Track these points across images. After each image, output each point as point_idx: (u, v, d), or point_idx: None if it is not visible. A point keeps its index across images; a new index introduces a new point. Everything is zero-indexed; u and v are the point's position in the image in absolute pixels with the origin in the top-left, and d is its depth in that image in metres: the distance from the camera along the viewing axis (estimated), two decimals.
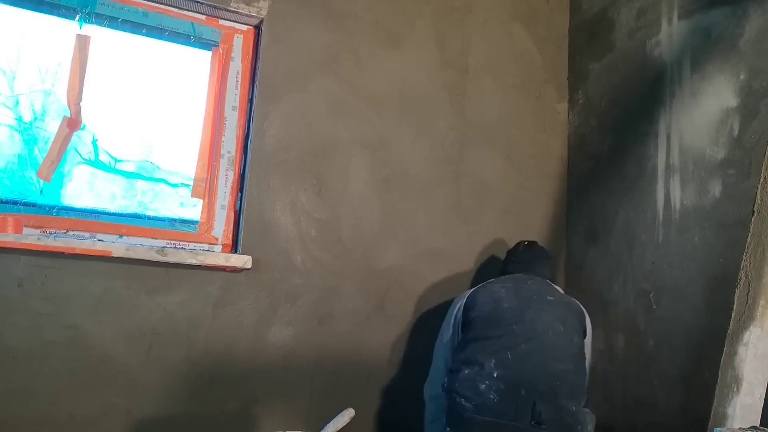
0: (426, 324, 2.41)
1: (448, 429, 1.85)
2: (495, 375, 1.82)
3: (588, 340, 2.07)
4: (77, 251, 1.89)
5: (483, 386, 1.81)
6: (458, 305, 2.08)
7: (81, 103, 2.05)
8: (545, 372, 1.84)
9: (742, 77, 2.01)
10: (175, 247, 2.14)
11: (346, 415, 1.83)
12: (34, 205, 2.01)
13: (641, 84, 2.42)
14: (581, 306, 2.09)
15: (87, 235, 2.04)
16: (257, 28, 2.34)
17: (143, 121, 2.30)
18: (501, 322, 1.93)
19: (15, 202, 1.99)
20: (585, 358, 1.99)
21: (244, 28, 2.33)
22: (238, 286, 2.14)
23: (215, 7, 2.21)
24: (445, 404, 1.91)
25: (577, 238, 2.68)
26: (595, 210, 2.59)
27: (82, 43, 2.07)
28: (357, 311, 2.32)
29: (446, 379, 1.93)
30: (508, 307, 1.97)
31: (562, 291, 2.17)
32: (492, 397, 1.80)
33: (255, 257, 2.13)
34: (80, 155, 2.18)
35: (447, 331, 2.09)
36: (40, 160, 2.02)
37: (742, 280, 1.68)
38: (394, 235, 2.41)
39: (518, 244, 2.35)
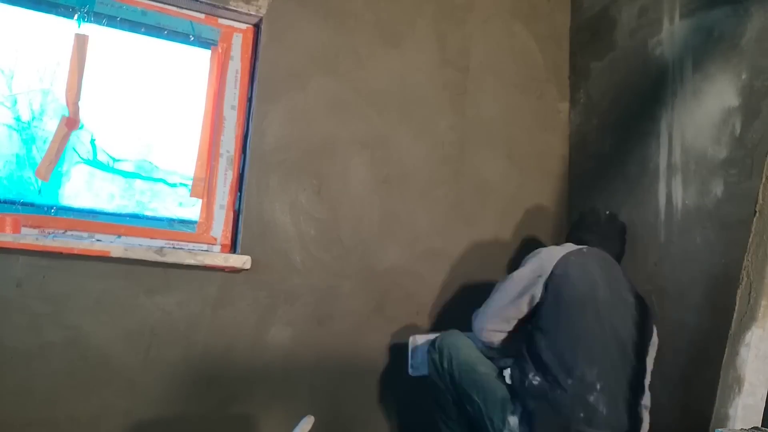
0: (424, 322, 2.40)
1: None
2: (598, 387, 1.72)
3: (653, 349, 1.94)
4: (76, 251, 1.89)
5: (591, 398, 1.71)
6: (543, 264, 1.87)
7: (79, 103, 2.04)
8: (629, 380, 1.80)
9: (743, 76, 2.00)
10: (173, 247, 2.13)
11: (308, 423, 1.80)
12: (32, 204, 2.00)
13: (643, 83, 2.41)
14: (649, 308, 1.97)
15: (85, 235, 2.03)
16: (256, 26, 2.33)
17: (142, 120, 2.29)
18: (598, 316, 1.78)
19: (13, 202, 1.98)
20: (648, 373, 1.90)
21: (244, 26, 2.33)
22: (237, 286, 2.14)
23: (214, 5, 2.21)
24: (529, 406, 1.73)
25: None
26: None
27: (81, 42, 2.06)
28: (356, 311, 2.31)
29: (535, 377, 1.76)
30: (604, 298, 1.80)
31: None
32: (602, 410, 1.70)
33: (254, 257, 2.12)
34: (79, 155, 2.18)
35: (520, 285, 1.88)
36: (39, 160, 2.01)
37: (744, 281, 1.66)
38: (394, 235, 2.40)
39: (596, 211, 2.17)
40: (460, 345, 1.96)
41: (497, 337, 1.92)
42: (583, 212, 2.22)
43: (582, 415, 1.69)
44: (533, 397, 1.74)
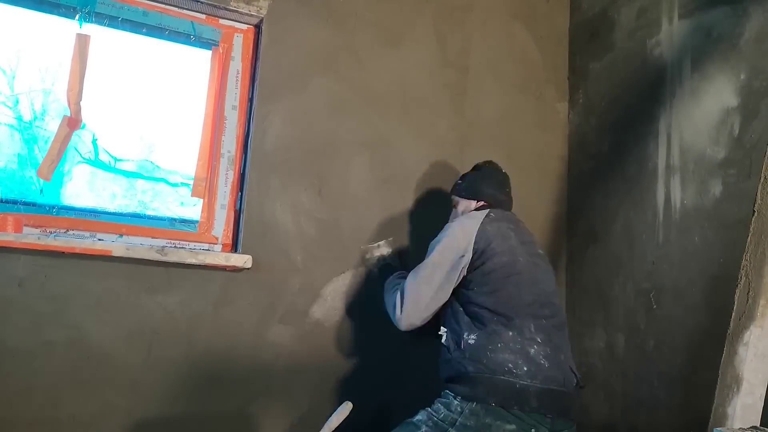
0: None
1: (490, 402, 1.62)
2: (539, 339, 1.71)
3: None
4: (77, 251, 1.89)
5: (532, 351, 1.68)
6: (460, 243, 1.83)
7: (81, 103, 2.05)
8: (563, 331, 1.84)
9: (742, 77, 2.01)
10: (175, 246, 2.14)
11: (346, 408, 1.83)
12: (34, 204, 2.01)
13: (641, 83, 2.42)
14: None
15: (87, 234, 2.04)
16: (257, 27, 2.34)
17: (143, 120, 2.30)
18: (522, 279, 1.80)
19: (15, 202, 1.99)
20: None
21: (244, 27, 2.33)
22: (239, 285, 2.14)
23: (215, 6, 2.21)
24: (468, 369, 1.68)
25: (577, 238, 2.68)
26: (596, 210, 2.59)
27: (82, 42, 2.07)
28: (357, 310, 2.32)
29: (470, 336, 1.73)
30: (524, 263, 1.83)
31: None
32: (543, 362, 1.68)
33: (255, 257, 2.13)
34: (80, 155, 2.18)
35: (446, 260, 1.83)
36: (40, 160, 2.02)
37: (743, 280, 1.67)
38: (394, 235, 2.41)
39: (492, 165, 2.17)
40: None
41: (420, 324, 1.90)
42: (482, 167, 2.17)
43: (525, 369, 1.65)
44: (471, 359, 1.70)
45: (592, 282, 2.55)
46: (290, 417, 2.18)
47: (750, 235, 1.69)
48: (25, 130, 2.11)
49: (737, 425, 1.57)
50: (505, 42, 2.74)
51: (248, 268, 2.12)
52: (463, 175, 2.18)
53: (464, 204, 2.10)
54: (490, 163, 2.18)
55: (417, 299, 1.84)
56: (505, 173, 2.16)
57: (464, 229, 1.86)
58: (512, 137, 2.70)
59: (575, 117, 2.79)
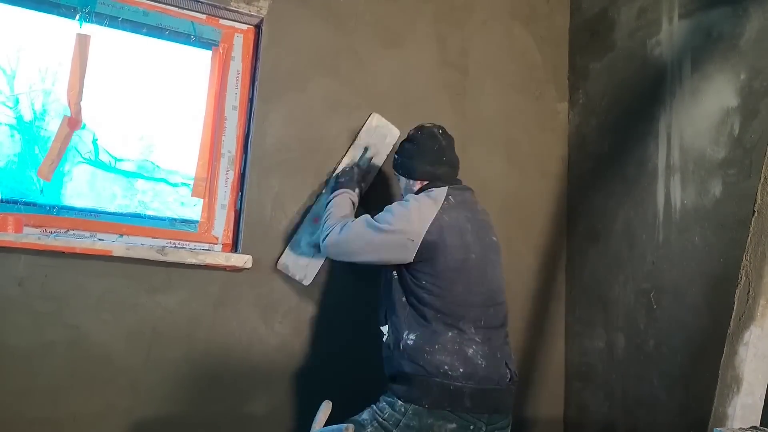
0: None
1: (424, 403, 1.64)
2: (478, 339, 1.72)
3: None
4: (78, 251, 1.89)
5: (470, 351, 1.69)
6: (413, 227, 1.77)
7: (81, 103, 2.05)
8: (503, 328, 1.84)
9: (742, 77, 2.01)
10: (175, 246, 2.14)
11: (326, 407, 1.81)
12: (34, 204, 2.01)
13: (641, 83, 2.42)
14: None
15: (87, 234, 2.04)
16: (257, 27, 2.34)
17: (143, 120, 2.30)
18: (471, 278, 1.78)
19: (15, 202, 1.99)
20: None
21: (245, 27, 2.33)
22: (239, 285, 2.14)
23: (215, 6, 2.21)
24: (406, 370, 1.70)
25: (577, 238, 2.68)
26: (596, 210, 2.59)
27: (83, 42, 2.07)
28: (357, 311, 2.32)
29: (409, 336, 1.73)
30: (476, 260, 1.79)
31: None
32: (480, 362, 1.69)
33: (255, 257, 2.13)
34: (80, 155, 2.18)
35: (396, 236, 1.77)
36: (41, 160, 2.02)
37: (743, 280, 1.67)
38: None
39: (429, 131, 1.98)
40: None
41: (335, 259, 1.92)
42: (415, 136, 1.99)
43: (462, 370, 1.66)
44: (410, 359, 1.70)
45: (592, 282, 2.56)
46: (290, 416, 2.18)
47: (750, 235, 1.69)
48: (26, 130, 2.11)
49: (737, 425, 1.57)
50: (505, 42, 2.74)
51: (248, 268, 2.12)
52: (400, 144, 2.05)
53: (404, 182, 2.01)
54: (421, 129, 2.00)
55: (351, 245, 1.84)
56: (443, 137, 1.97)
57: (421, 213, 1.79)
58: (512, 137, 2.70)
59: (575, 117, 2.79)
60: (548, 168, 2.76)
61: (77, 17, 2.10)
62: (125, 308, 1.99)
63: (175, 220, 2.21)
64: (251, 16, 2.27)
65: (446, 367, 1.67)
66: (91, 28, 2.12)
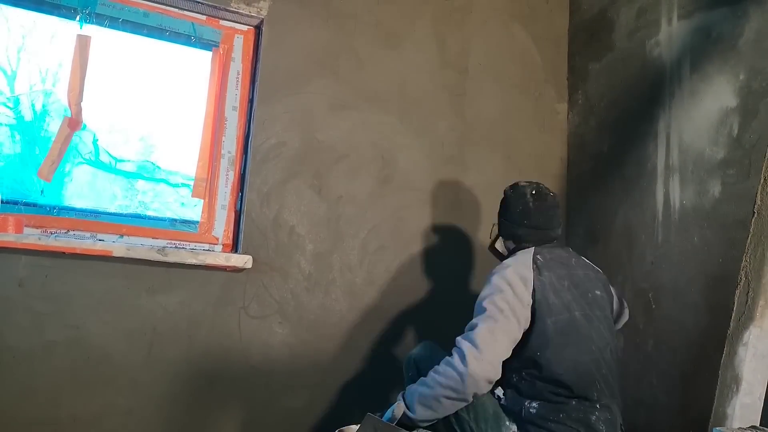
0: (425, 324, 2.41)
1: None
2: (599, 406, 1.70)
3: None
4: (78, 251, 1.90)
5: (593, 417, 1.69)
6: (522, 292, 1.70)
7: (82, 104, 2.05)
8: (618, 391, 1.80)
9: (741, 77, 2.01)
10: (175, 247, 2.14)
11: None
12: (35, 205, 2.01)
13: (641, 84, 2.42)
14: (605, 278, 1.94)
15: (88, 235, 2.04)
16: (257, 28, 2.34)
17: (144, 121, 2.30)
18: (580, 339, 1.73)
19: (16, 202, 1.99)
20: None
21: (245, 28, 2.34)
22: (239, 285, 2.15)
23: (216, 7, 2.22)
24: (534, 430, 1.68)
25: (576, 238, 2.69)
26: (595, 210, 2.59)
27: (83, 43, 2.07)
28: (356, 310, 2.32)
29: (532, 405, 1.71)
30: (580, 319, 1.75)
31: (584, 260, 1.97)
32: (601, 428, 1.69)
33: (255, 257, 2.13)
34: (81, 155, 2.19)
35: (515, 309, 1.68)
36: (41, 160, 2.02)
37: (742, 281, 1.68)
38: (394, 235, 2.41)
39: (520, 191, 1.91)
40: (439, 360, 1.75)
41: (495, 378, 1.67)
42: (506, 195, 1.95)
43: None
44: (535, 424, 1.70)
45: None
46: (290, 416, 2.19)
47: (750, 236, 1.69)
48: (26, 130, 2.11)
49: (737, 425, 1.57)
50: (504, 43, 2.75)
51: (248, 269, 2.13)
52: (503, 202, 1.97)
53: (502, 239, 1.99)
54: (514, 187, 1.95)
55: (493, 345, 1.64)
56: (534, 197, 1.89)
57: (523, 279, 1.73)
58: (512, 138, 2.70)
59: (575, 117, 2.80)
60: (548, 168, 2.76)
61: (78, 18, 2.11)
62: (125, 308, 2.00)
63: (175, 220, 2.21)
64: (251, 17, 2.27)
65: None
66: (91, 29, 2.12)
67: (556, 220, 1.92)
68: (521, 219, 1.88)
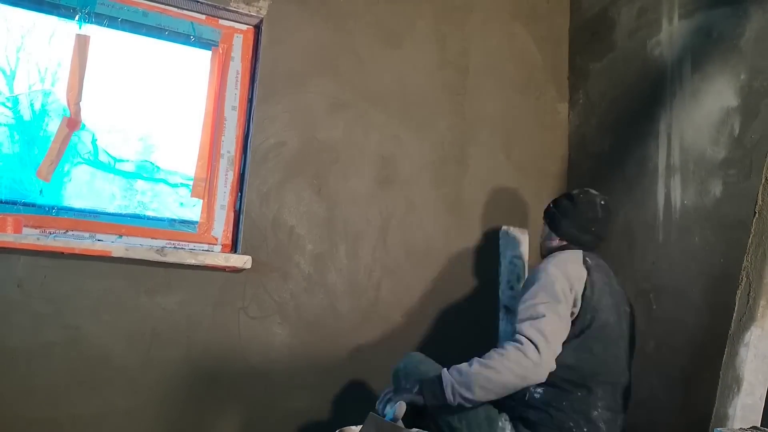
0: (425, 323, 2.41)
1: None
2: (600, 404, 1.73)
3: None
4: (77, 251, 1.89)
5: (595, 413, 1.72)
6: (573, 282, 1.75)
7: (80, 103, 2.05)
8: (625, 398, 1.84)
9: (742, 77, 2.01)
10: (174, 247, 2.14)
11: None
12: (33, 205, 2.01)
13: (642, 84, 2.42)
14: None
15: (86, 235, 2.04)
16: (257, 27, 2.34)
17: (143, 121, 2.30)
18: (610, 339, 1.78)
19: (14, 202, 1.99)
20: None
21: (244, 27, 2.33)
22: (238, 286, 2.14)
23: (215, 6, 2.21)
24: (531, 418, 1.73)
25: None
26: None
27: (82, 42, 2.07)
28: (356, 311, 2.32)
29: (537, 390, 1.73)
30: (614, 321, 1.80)
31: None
32: (602, 426, 1.72)
33: (255, 257, 2.13)
34: (80, 155, 2.18)
35: (567, 297, 1.72)
36: (40, 160, 2.02)
37: (743, 281, 1.67)
38: (394, 235, 2.41)
39: (591, 198, 1.96)
40: (427, 370, 1.81)
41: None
42: (577, 198, 1.97)
43: (585, 430, 1.71)
44: (535, 408, 1.73)
45: None
46: (290, 416, 2.18)
47: (751, 236, 1.69)
48: (25, 130, 2.11)
49: (737, 425, 1.57)
50: (505, 42, 2.74)
51: (248, 269, 2.12)
52: (559, 198, 2.04)
53: (546, 231, 2.03)
54: (586, 193, 1.99)
55: (559, 335, 1.70)
56: (602, 209, 1.95)
57: (576, 271, 1.78)
58: (512, 137, 2.70)
59: (575, 117, 2.79)
60: (548, 168, 2.76)
61: (77, 18, 2.10)
62: (124, 309, 1.99)
63: (174, 220, 2.21)
64: (251, 16, 2.26)
65: (572, 424, 1.70)
66: (90, 29, 2.12)
67: (606, 235, 2.00)
68: (589, 225, 1.94)
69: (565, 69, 2.86)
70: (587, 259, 1.84)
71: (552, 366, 1.66)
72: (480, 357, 1.70)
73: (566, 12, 2.91)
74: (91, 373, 1.94)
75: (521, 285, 2.03)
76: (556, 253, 1.89)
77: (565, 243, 1.96)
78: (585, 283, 1.76)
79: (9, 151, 2.10)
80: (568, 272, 1.77)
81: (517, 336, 1.68)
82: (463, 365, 1.71)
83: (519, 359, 1.64)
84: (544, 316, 1.68)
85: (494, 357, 1.67)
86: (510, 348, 1.66)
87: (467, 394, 1.67)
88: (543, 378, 1.66)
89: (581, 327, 1.74)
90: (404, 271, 2.41)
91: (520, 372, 1.64)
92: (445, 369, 1.74)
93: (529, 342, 1.65)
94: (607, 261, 1.97)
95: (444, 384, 1.70)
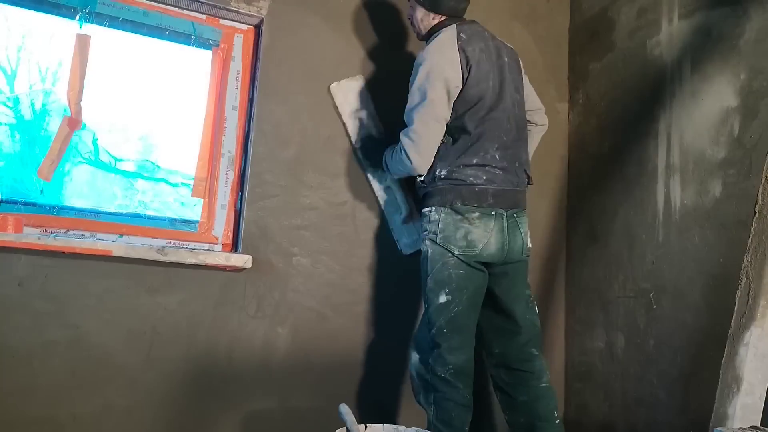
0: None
1: (459, 203, 1.93)
2: (497, 157, 1.98)
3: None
4: (77, 251, 1.89)
5: (488, 167, 1.96)
6: (453, 67, 1.96)
7: (81, 103, 2.05)
8: (522, 140, 2.10)
9: (742, 77, 2.01)
10: (175, 246, 2.14)
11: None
12: (34, 204, 2.01)
13: (641, 84, 2.42)
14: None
15: (87, 234, 2.04)
16: (257, 27, 2.34)
17: (144, 120, 2.30)
18: (492, 105, 1.99)
19: (15, 202, 1.99)
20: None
21: (245, 27, 2.33)
22: (239, 285, 2.14)
23: (216, 6, 2.21)
24: (445, 187, 1.96)
25: (577, 238, 2.68)
26: (596, 210, 2.59)
27: (83, 42, 2.07)
28: (356, 310, 2.32)
29: (444, 171, 1.97)
30: (493, 86, 2.00)
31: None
32: (498, 172, 1.97)
33: (255, 257, 2.13)
34: (81, 155, 2.19)
35: (442, 92, 1.97)
36: (41, 160, 2.02)
37: (743, 281, 1.68)
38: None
39: None
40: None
41: (429, 163, 2.02)
42: None
43: (484, 178, 1.95)
44: (441, 180, 1.97)
45: (592, 282, 2.56)
46: (290, 416, 2.18)
47: (751, 236, 1.69)
48: (26, 130, 2.11)
49: (737, 425, 1.57)
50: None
51: (248, 268, 2.12)
52: None
53: (422, 13, 2.10)
54: None
55: (428, 136, 1.97)
56: None
57: (448, 59, 1.96)
58: None
59: (575, 117, 2.79)
60: (548, 168, 2.76)
61: (77, 17, 2.10)
62: (125, 308, 1.99)
63: (175, 220, 2.21)
64: (251, 16, 2.27)
65: (471, 178, 1.95)
66: (91, 29, 2.12)
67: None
68: None
69: (565, 69, 2.87)
70: (461, 34, 2.00)
71: (428, 161, 1.99)
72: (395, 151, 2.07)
73: (566, 12, 2.91)
74: (92, 372, 1.94)
75: None
76: (433, 37, 2.04)
77: (443, 19, 2.08)
78: (460, 67, 1.95)
79: (10, 151, 2.10)
80: (442, 65, 1.95)
81: (401, 138, 2.02)
82: (387, 153, 2.15)
83: (401, 159, 2.02)
84: (413, 123, 1.98)
85: (394, 156, 2.07)
86: (396, 152, 2.05)
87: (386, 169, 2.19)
88: (423, 171, 2.01)
89: (462, 108, 1.97)
90: (403, 272, 2.41)
91: (404, 169, 2.05)
92: (386, 152, 2.17)
93: (402, 148, 2.00)
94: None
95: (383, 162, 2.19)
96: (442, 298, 1.93)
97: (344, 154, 2.36)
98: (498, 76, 2.02)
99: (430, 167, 2.01)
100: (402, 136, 2.01)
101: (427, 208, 2.01)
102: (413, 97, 1.99)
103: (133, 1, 2.16)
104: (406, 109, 2.02)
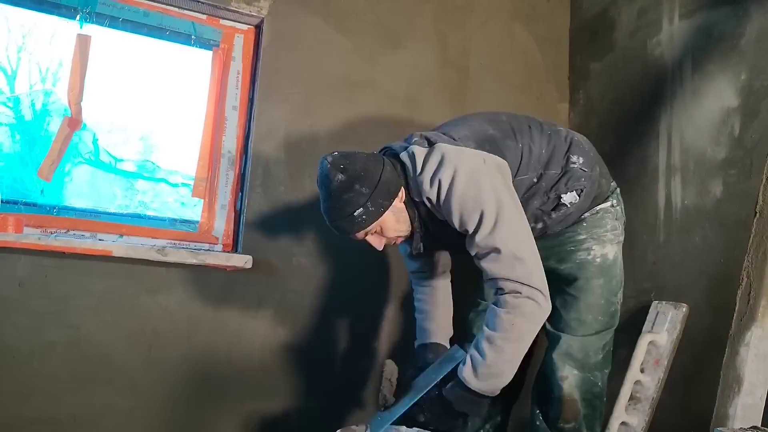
0: None
1: (612, 184, 1.85)
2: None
3: None
4: (78, 251, 1.89)
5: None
6: (498, 164, 1.58)
7: (82, 103, 2.05)
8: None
9: (743, 77, 2.01)
10: (175, 246, 2.14)
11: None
12: (34, 204, 2.01)
13: (642, 84, 2.42)
14: None
15: (88, 234, 2.04)
16: (258, 27, 2.34)
17: (144, 121, 2.30)
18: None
19: (16, 202, 1.99)
20: None
21: (245, 27, 2.33)
22: (239, 285, 2.14)
23: (216, 6, 2.21)
24: (582, 173, 1.72)
25: None
26: None
27: (83, 42, 2.07)
28: (358, 312, 2.32)
29: (556, 168, 1.71)
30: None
31: None
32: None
33: (255, 257, 2.13)
34: (81, 155, 2.19)
35: (511, 191, 1.55)
36: (41, 160, 2.02)
37: (744, 281, 1.68)
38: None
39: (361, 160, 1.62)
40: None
41: None
42: (353, 169, 1.57)
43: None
44: (569, 171, 1.74)
45: None
46: (290, 416, 2.18)
47: (752, 236, 1.69)
48: (26, 130, 2.11)
49: (738, 425, 1.57)
50: (505, 42, 2.74)
51: (249, 269, 2.12)
52: (342, 187, 1.59)
53: (390, 212, 1.66)
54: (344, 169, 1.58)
55: (535, 256, 1.49)
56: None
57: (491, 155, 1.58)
58: None
59: (576, 117, 2.79)
60: None
61: (78, 18, 2.10)
62: (125, 308, 1.99)
63: (175, 220, 2.21)
64: (251, 16, 2.27)
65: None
66: (91, 29, 2.12)
67: None
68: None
69: (565, 69, 2.87)
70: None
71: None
72: (472, 344, 1.49)
73: (566, 12, 2.91)
74: (92, 372, 1.94)
75: None
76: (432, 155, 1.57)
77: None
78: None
79: (10, 151, 2.10)
80: (485, 157, 1.53)
81: (509, 287, 1.45)
82: (468, 368, 1.49)
83: (534, 313, 1.45)
84: (515, 253, 1.45)
85: (503, 327, 1.44)
86: (513, 310, 1.44)
87: (502, 382, 1.49)
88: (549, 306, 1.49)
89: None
90: (403, 273, 2.41)
91: (538, 322, 1.47)
92: (451, 386, 1.53)
93: (529, 293, 1.44)
94: None
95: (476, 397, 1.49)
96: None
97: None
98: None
99: (548, 186, 1.68)
100: (507, 297, 1.45)
101: (596, 208, 1.74)
102: (477, 220, 1.48)
103: (134, 1, 2.16)
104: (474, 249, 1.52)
